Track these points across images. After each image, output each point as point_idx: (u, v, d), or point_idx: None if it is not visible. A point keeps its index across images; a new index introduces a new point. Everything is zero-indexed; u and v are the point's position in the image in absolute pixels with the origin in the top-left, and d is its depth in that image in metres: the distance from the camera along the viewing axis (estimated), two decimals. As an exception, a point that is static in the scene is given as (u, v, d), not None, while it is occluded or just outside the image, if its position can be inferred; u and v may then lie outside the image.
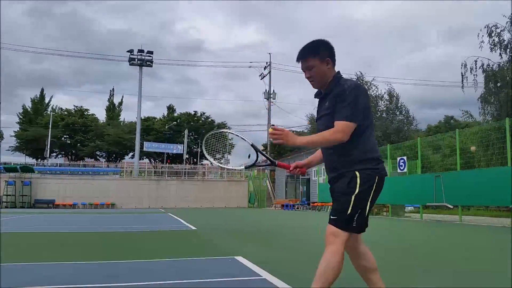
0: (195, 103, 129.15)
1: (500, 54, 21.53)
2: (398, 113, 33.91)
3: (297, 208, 26.43)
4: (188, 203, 35.22)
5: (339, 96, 2.35)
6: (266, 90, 46.08)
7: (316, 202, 24.74)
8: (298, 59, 2.49)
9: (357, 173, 2.34)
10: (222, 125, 57.93)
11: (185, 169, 41.09)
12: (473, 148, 16.68)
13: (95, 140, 52.87)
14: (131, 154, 54.30)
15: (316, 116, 2.64)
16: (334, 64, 2.49)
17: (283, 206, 28.26)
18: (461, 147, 15.08)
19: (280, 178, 36.52)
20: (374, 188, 2.36)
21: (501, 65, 21.42)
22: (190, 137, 54.07)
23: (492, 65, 21.67)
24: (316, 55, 2.43)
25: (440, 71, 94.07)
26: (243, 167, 3.02)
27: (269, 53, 57.64)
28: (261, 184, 36.31)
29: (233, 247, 6.40)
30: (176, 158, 52.81)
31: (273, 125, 2.48)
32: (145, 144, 46.45)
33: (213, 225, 11.62)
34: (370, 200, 2.36)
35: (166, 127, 53.88)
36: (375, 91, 35.07)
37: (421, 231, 10.19)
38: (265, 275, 3.97)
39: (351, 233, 2.35)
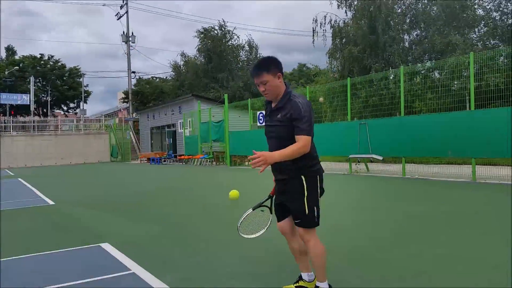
0: (41, 44, 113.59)
1: (346, 12, 23.64)
2: (257, 63, 35.18)
3: (164, 161, 26.31)
4: (41, 161, 32.09)
5: (296, 112, 2.74)
6: (124, 33, 42.96)
7: (183, 155, 24.92)
8: (253, 76, 2.85)
9: (303, 178, 2.80)
10: (75, 70, 52.65)
11: (34, 122, 36.83)
12: (321, 99, 18.51)
13: None
14: (-38, 105, 46.23)
15: (265, 118, 3.04)
16: (283, 77, 2.88)
17: (149, 160, 27.78)
18: (311, 96, 16.56)
19: (145, 129, 35.49)
20: (318, 185, 2.87)
21: (346, 21, 23.57)
22: (37, 84, 48.03)
23: (339, 21, 23.72)
24: (269, 71, 2.78)
25: (297, 17, 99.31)
26: (251, 209, 3.09)
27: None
28: (124, 136, 34.81)
29: (99, 227, 6.13)
30: (21, 109, 46.75)
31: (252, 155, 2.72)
32: (-19, 94, 39.92)
33: (74, 193, 10.93)
34: (318, 196, 2.88)
35: (6, 72, 46.74)
36: (236, 41, 35.62)
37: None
38: (134, 268, 3.96)
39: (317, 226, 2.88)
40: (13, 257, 4.54)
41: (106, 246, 4.88)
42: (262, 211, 3.10)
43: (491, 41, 18.89)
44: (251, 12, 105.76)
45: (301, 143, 2.72)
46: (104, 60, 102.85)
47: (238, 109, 23.20)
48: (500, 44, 18.24)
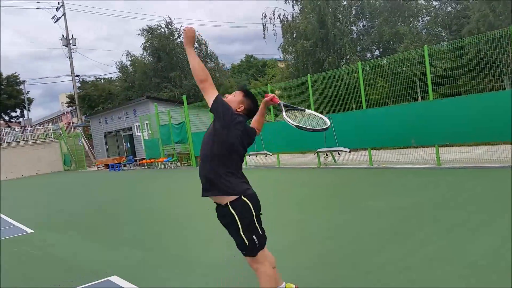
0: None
1: (293, 6, 24.07)
2: (208, 60, 34.98)
3: (125, 166, 25.65)
4: (-11, 177, 30.31)
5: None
6: (63, 36, 41.19)
7: (144, 159, 24.45)
8: (241, 88, 3.07)
9: (229, 206, 2.78)
10: (13, 77, 49.58)
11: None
12: (277, 92, 18.94)
13: None
14: None
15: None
16: (243, 112, 2.99)
17: (107, 166, 26.96)
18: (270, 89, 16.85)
19: (98, 135, 34.29)
20: (252, 208, 2.81)
21: (294, 16, 24.01)
22: (-29, 95, 44.78)
23: (288, 16, 24.12)
24: (245, 96, 2.99)
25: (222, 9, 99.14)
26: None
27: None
28: (76, 143, 33.48)
29: (96, 256, 6.05)
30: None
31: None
32: None
33: (46, 214, 10.54)
34: (256, 219, 2.82)
35: None
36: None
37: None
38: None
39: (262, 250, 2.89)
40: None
41: (115, 279, 4.84)
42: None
43: (434, 28, 20.13)
44: (178, 3, 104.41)
45: (211, 89, 2.86)
46: (36, 62, 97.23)
47: (196, 107, 23.10)
48: (441, 31, 19.51)
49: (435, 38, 19.70)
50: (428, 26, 20.52)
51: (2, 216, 11.17)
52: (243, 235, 2.78)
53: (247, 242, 2.79)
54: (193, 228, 7.25)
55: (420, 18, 21.38)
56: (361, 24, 22.92)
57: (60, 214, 10.66)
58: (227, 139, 2.80)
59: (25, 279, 5.41)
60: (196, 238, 6.52)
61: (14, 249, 7.15)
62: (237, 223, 2.77)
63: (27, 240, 7.82)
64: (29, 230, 8.62)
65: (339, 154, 13.51)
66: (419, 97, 13.90)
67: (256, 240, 2.82)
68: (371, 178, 10.35)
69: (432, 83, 10.90)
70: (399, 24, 19.95)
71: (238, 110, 2.94)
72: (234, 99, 2.97)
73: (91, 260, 5.92)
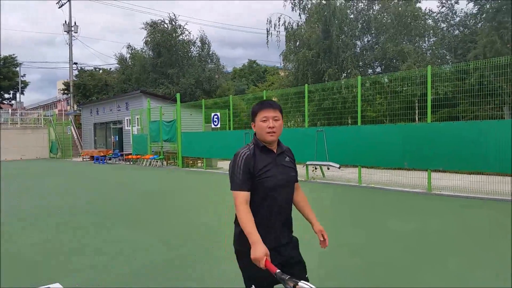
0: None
1: (300, 15, 23.63)
2: (209, 60, 34.48)
3: (109, 160, 24.99)
4: (-29, 157, 29.55)
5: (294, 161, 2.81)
6: (66, 22, 40.66)
7: (131, 154, 23.81)
8: (267, 106, 2.60)
9: None
10: (10, 58, 48.89)
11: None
12: (274, 99, 18.42)
13: None
14: None
15: (272, 166, 2.61)
16: None
17: (92, 158, 26.25)
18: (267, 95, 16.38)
19: (88, 125, 33.60)
20: None
21: (299, 24, 23.57)
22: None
23: (293, 23, 23.67)
24: (281, 113, 2.67)
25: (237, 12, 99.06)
26: None
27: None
28: (65, 131, 32.77)
29: (48, 260, 5.50)
30: None
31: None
32: None
33: (13, 202, 9.92)
34: None
35: None
36: (188, 36, 34.64)
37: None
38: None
39: None
40: None
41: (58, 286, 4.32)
42: None
43: (439, 50, 19.72)
44: (192, 4, 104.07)
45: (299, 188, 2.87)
46: (39, 47, 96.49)
47: (190, 107, 22.58)
48: (446, 53, 19.11)
49: (439, 60, 19.29)
50: (434, 48, 20.12)
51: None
52: None
53: None
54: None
55: (426, 39, 20.98)
56: (365, 39, 22.51)
57: (27, 205, 10.02)
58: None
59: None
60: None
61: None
62: None
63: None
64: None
65: (328, 169, 12.98)
66: (417, 119, 13.46)
67: None
68: (365, 197, 9.82)
69: (431, 105, 10.45)
70: (404, 42, 19.54)
71: None
72: (281, 124, 2.70)
73: (43, 262, 5.35)
